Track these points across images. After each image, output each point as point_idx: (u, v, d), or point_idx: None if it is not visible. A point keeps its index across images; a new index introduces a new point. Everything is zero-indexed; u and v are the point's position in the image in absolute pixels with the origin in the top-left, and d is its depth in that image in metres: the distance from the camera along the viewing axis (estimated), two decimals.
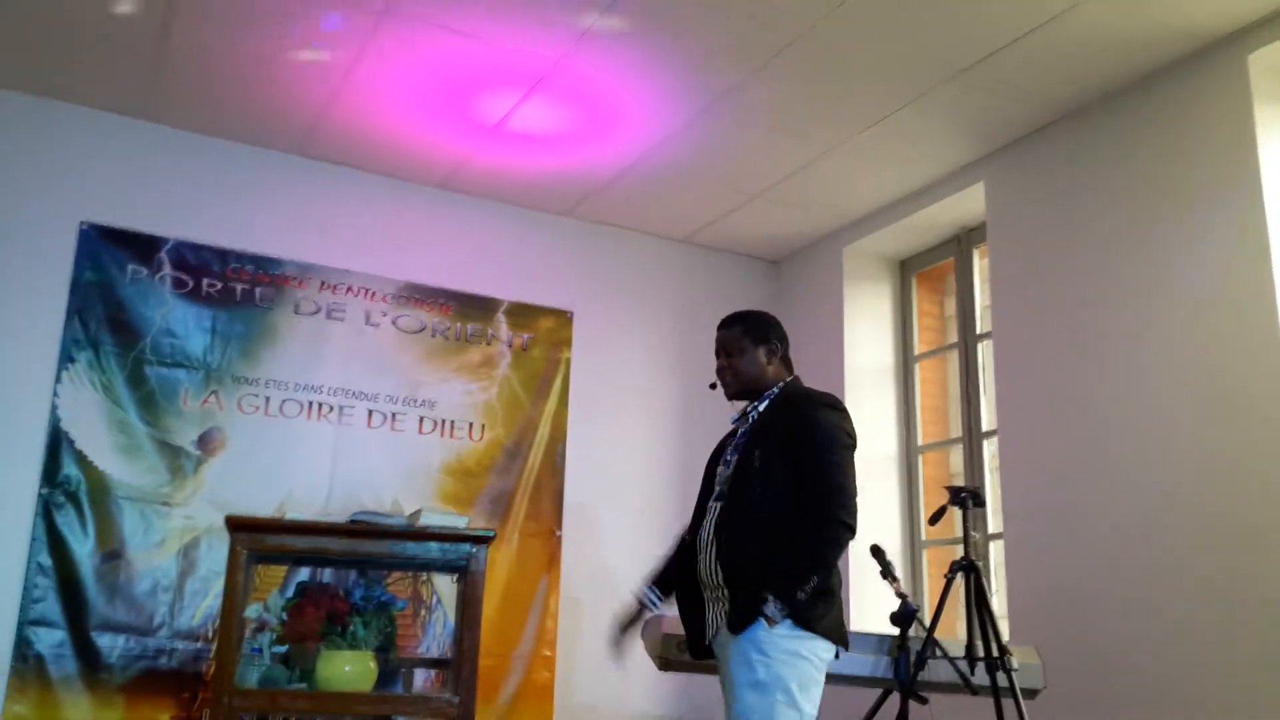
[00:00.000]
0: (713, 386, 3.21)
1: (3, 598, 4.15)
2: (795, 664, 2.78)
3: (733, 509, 2.97)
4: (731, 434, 3.23)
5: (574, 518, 5.16)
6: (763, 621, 2.77)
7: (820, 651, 2.83)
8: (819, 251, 5.74)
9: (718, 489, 3.08)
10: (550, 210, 5.50)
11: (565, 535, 5.15)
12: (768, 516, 2.89)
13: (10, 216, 4.43)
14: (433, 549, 3.22)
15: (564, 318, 5.42)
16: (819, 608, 2.82)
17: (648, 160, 4.94)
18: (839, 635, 2.89)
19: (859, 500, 2.93)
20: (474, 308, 5.22)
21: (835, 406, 3.06)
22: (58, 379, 4.38)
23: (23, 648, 4.12)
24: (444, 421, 5.03)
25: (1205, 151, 3.89)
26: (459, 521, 3.32)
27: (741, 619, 2.81)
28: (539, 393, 5.27)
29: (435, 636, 4.77)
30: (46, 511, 4.27)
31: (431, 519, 3.30)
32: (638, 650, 3.54)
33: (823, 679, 2.85)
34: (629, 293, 5.64)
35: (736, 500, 2.98)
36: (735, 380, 3.15)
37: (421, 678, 4.51)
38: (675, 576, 3.14)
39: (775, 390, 3.13)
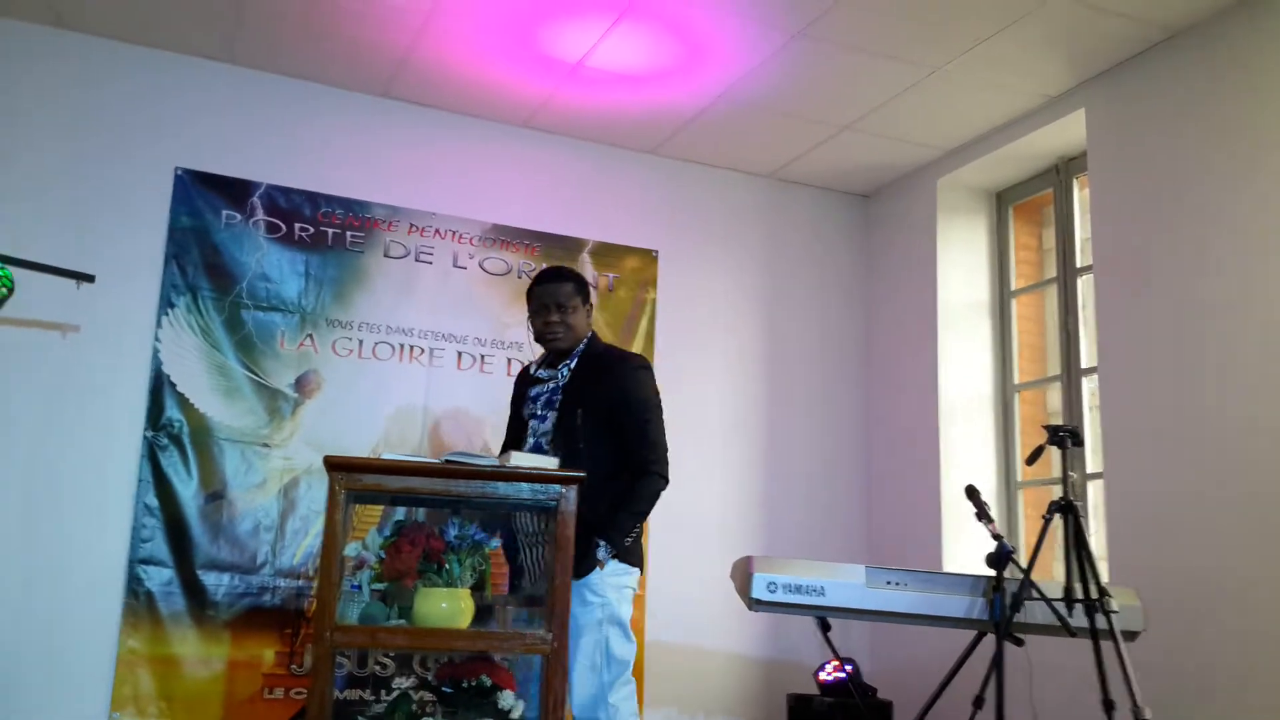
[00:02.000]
0: (539, 339, 3.53)
1: (114, 537, 4.31)
2: (620, 596, 3.37)
3: (561, 465, 3.27)
4: (533, 379, 3.60)
5: None
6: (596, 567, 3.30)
7: (634, 581, 3.45)
8: (911, 184, 5.59)
9: (533, 441, 3.51)
10: (634, 148, 5.44)
11: None
12: (591, 473, 3.18)
13: (108, 163, 4.53)
14: (523, 489, 3.24)
15: (649, 257, 5.38)
16: (633, 543, 3.42)
17: (733, 94, 4.84)
18: (640, 558, 3.50)
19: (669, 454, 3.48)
20: (559, 248, 5.20)
21: (646, 367, 3.55)
22: (158, 324, 4.49)
23: (134, 585, 4.29)
24: None
25: None
26: (549, 462, 3.32)
27: (579, 568, 3.21)
28: (625, 333, 5.26)
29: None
30: (151, 453, 4.40)
31: (522, 460, 3.31)
32: (728, 589, 3.55)
33: None
34: (715, 231, 5.57)
35: (563, 458, 3.34)
36: (569, 335, 3.50)
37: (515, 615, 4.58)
38: None
39: (582, 346, 3.49)
